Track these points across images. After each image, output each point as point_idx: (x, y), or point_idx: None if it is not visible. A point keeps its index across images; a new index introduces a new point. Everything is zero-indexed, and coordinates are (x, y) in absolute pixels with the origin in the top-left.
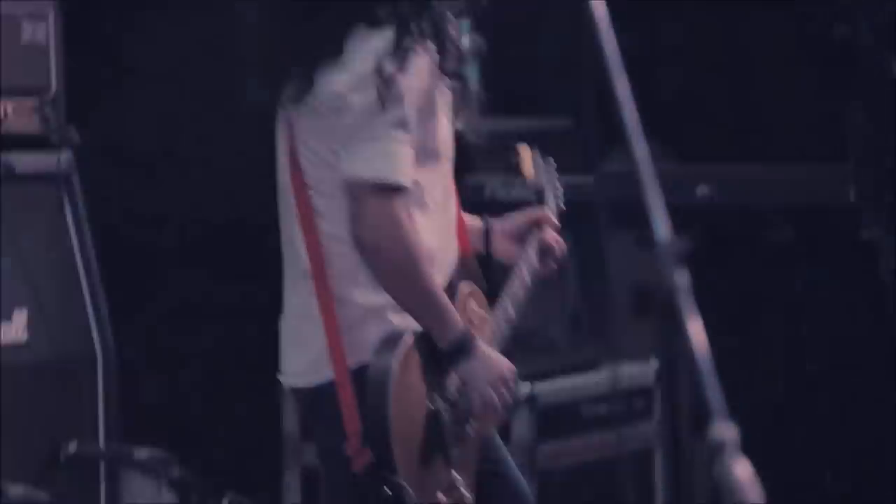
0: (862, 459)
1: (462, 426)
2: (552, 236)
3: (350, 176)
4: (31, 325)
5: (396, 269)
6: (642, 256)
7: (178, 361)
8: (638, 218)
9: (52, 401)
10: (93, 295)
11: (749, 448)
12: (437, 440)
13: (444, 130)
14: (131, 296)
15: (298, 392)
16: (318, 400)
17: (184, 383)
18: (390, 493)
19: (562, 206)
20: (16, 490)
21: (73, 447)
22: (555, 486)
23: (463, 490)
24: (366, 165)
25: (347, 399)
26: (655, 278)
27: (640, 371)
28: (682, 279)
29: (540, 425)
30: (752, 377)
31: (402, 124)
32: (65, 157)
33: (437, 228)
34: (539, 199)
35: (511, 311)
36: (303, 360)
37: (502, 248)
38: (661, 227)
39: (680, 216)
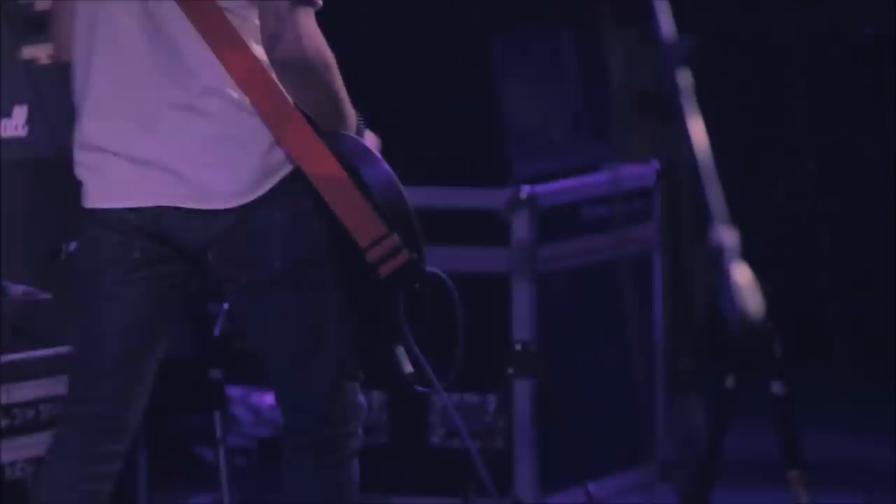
0: (860, 263)
1: None
2: None
3: None
4: (32, 121)
5: (324, 80)
6: (645, 56)
7: None
8: (641, 15)
9: (53, 198)
10: None
11: (749, 253)
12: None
13: None
14: None
15: (220, 214)
16: (267, 212)
17: None
18: (419, 286)
19: None
20: (17, 288)
21: (73, 246)
22: (554, 288)
23: None
24: None
25: (347, 199)
26: (658, 78)
27: (640, 172)
28: (684, 79)
29: (540, 227)
30: (753, 183)
31: None
32: None
33: None
34: None
35: None
36: (235, 178)
37: None
38: (665, 25)
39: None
